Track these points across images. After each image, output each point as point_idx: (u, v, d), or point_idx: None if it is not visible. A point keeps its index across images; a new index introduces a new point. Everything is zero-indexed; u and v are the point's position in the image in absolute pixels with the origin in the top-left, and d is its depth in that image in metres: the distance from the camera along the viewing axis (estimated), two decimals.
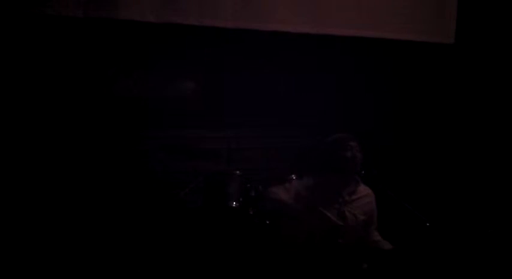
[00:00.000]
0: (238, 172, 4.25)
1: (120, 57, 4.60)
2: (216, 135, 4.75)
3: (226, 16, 4.50)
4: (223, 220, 4.18)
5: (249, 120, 4.93)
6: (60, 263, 3.86)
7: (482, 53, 5.12)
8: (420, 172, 5.06)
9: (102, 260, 3.87)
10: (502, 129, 5.06)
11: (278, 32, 4.65)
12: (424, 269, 3.18)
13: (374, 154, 3.48)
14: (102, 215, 4.31)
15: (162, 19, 4.36)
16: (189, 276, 3.90)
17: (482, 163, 5.04)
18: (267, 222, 4.21)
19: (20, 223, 4.09)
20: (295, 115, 5.09)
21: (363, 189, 3.36)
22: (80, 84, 4.48)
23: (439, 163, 5.13)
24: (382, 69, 5.17)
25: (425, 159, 5.14)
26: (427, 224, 2.95)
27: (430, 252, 3.13)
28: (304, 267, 3.01)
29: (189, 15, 4.41)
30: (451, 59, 5.16)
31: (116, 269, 3.84)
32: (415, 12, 4.96)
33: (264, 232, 4.17)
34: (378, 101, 5.17)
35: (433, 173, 5.08)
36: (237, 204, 4.15)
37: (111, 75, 4.60)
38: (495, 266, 3.45)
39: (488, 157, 5.05)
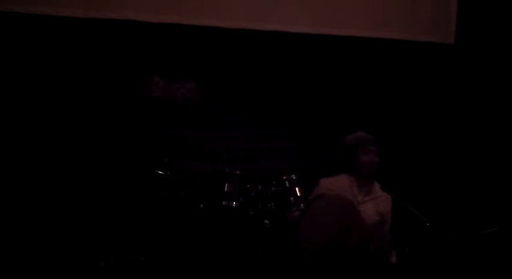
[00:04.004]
0: (238, 172, 4.25)
1: (121, 58, 4.60)
2: (216, 135, 4.75)
3: (226, 16, 4.51)
4: (223, 220, 4.19)
5: (249, 120, 4.93)
6: (61, 263, 3.87)
7: (482, 53, 5.12)
8: (420, 172, 5.06)
9: (103, 260, 3.87)
10: (502, 129, 5.07)
11: (278, 31, 4.66)
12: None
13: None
14: (102, 214, 4.31)
15: (162, 19, 4.37)
16: (190, 275, 3.90)
17: (482, 163, 5.04)
18: (267, 222, 4.23)
19: (22, 222, 4.10)
20: (295, 116, 5.08)
21: (378, 189, 3.32)
22: (80, 85, 4.48)
23: (439, 163, 5.13)
24: (382, 69, 5.17)
25: (425, 159, 5.14)
26: (427, 224, 2.94)
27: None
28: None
29: (189, 15, 4.42)
30: (451, 59, 5.16)
31: (116, 268, 3.85)
32: (415, 12, 4.97)
33: (264, 232, 4.19)
34: (378, 101, 5.17)
35: (433, 173, 5.08)
36: (237, 204, 4.15)
37: (112, 75, 4.60)
38: (495, 266, 3.46)
39: (488, 157, 5.05)
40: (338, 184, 3.28)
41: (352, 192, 3.26)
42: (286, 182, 4.30)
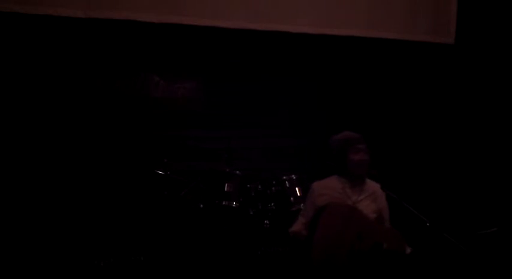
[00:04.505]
0: (238, 172, 4.25)
1: (121, 58, 4.60)
2: (216, 135, 4.75)
3: (226, 16, 4.52)
4: (223, 220, 4.19)
5: (249, 120, 4.93)
6: (61, 263, 3.87)
7: (482, 53, 5.12)
8: (420, 172, 5.06)
9: (103, 260, 3.87)
10: (502, 129, 5.07)
11: (278, 31, 4.66)
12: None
13: (374, 154, 3.47)
14: (102, 214, 4.32)
15: (162, 19, 4.37)
16: (190, 275, 3.90)
17: (482, 163, 5.04)
18: (267, 222, 4.23)
19: (22, 222, 4.11)
20: (295, 115, 5.09)
21: (371, 186, 3.28)
22: (80, 85, 4.49)
23: (439, 163, 5.13)
24: (382, 69, 5.17)
25: (425, 159, 5.14)
26: (427, 224, 2.94)
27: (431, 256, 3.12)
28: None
29: (189, 15, 4.43)
30: (451, 59, 5.16)
31: (116, 268, 3.85)
32: (415, 12, 4.97)
33: (264, 232, 4.19)
34: (378, 101, 5.17)
35: (433, 173, 5.08)
36: (237, 204, 4.15)
37: (112, 75, 4.60)
38: (495, 266, 3.46)
39: (488, 157, 5.05)
40: (331, 186, 3.25)
41: (346, 193, 3.24)
42: (286, 182, 4.31)
